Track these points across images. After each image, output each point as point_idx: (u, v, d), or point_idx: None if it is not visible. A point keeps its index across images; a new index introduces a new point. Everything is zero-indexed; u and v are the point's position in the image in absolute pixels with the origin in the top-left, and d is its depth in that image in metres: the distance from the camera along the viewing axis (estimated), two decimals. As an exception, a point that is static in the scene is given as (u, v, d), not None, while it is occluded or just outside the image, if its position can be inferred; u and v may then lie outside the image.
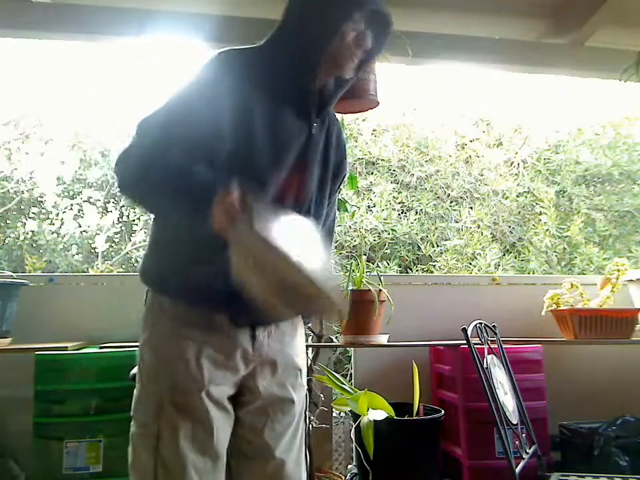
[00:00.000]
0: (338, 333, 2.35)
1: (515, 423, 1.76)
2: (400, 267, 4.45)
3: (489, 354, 1.78)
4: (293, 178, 1.15)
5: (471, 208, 4.62)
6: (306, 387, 1.30)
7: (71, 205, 6.24)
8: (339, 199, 2.28)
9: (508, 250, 4.84)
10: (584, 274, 4.35)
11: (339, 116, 2.35)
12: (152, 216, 1.22)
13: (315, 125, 1.17)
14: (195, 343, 1.09)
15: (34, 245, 5.79)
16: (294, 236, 0.97)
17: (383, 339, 2.16)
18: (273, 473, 1.18)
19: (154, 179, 1.01)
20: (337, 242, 4.07)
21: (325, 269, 0.97)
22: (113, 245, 6.21)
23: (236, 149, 1.06)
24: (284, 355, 1.21)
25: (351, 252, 4.23)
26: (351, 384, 2.32)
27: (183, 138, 1.03)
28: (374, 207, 4.45)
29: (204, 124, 1.04)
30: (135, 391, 1.17)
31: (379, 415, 1.94)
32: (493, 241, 4.60)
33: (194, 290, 1.09)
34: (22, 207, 6.03)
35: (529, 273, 4.49)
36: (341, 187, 1.41)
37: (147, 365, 1.14)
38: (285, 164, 1.12)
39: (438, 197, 4.79)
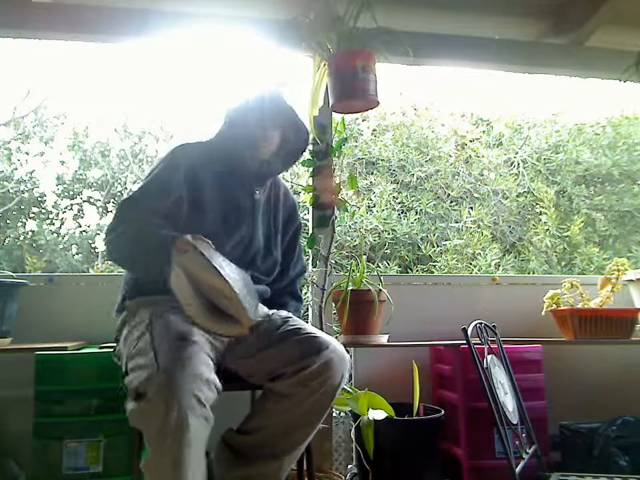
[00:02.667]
0: (338, 333, 2.35)
1: (515, 422, 1.76)
2: (400, 267, 4.45)
3: (489, 354, 1.78)
4: (242, 234, 1.57)
5: (471, 208, 4.62)
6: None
7: (71, 204, 6.24)
8: (339, 199, 2.29)
9: (508, 250, 4.84)
10: (584, 274, 4.35)
11: (339, 116, 2.37)
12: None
13: (257, 192, 1.63)
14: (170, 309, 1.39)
15: (34, 244, 5.80)
16: (225, 265, 1.32)
17: (383, 339, 2.16)
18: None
19: (129, 242, 1.42)
20: (337, 242, 4.07)
21: (245, 289, 1.32)
22: (112, 245, 6.20)
23: (191, 213, 1.49)
24: None
25: (351, 252, 4.23)
26: (351, 384, 2.32)
27: (152, 208, 1.45)
28: (374, 207, 4.45)
29: (166, 197, 1.47)
30: (124, 359, 1.38)
31: (379, 414, 1.94)
32: (493, 241, 4.60)
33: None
34: (22, 207, 6.04)
35: (529, 273, 4.49)
36: (295, 239, 1.81)
37: (133, 334, 1.40)
38: (233, 223, 1.55)
39: (438, 197, 4.79)
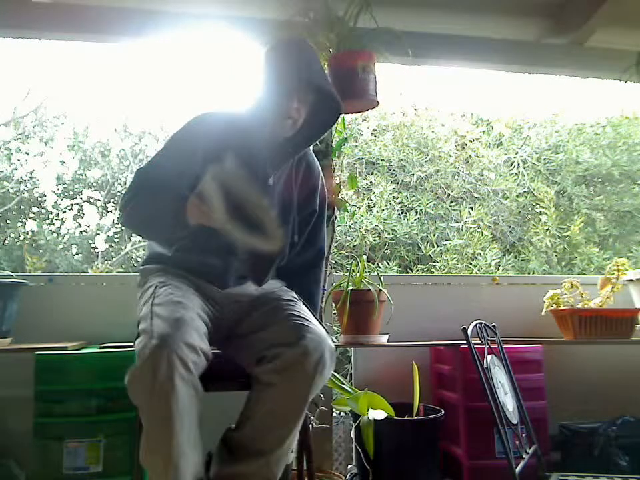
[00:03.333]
0: (338, 333, 2.35)
1: (515, 422, 1.76)
2: (400, 267, 4.45)
3: (489, 354, 1.78)
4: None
5: (471, 208, 4.62)
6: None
7: (71, 204, 6.24)
8: (339, 199, 2.30)
9: (508, 250, 4.84)
10: (584, 274, 4.35)
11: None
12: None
13: (270, 179, 1.54)
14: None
15: (34, 244, 5.79)
16: None
17: (383, 339, 2.16)
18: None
19: (144, 207, 1.45)
20: (337, 242, 4.07)
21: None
22: (112, 245, 6.21)
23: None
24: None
25: (351, 252, 4.23)
26: (351, 384, 2.32)
27: (165, 174, 1.44)
28: (374, 207, 4.45)
29: (182, 162, 1.46)
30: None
31: (379, 414, 1.94)
32: (493, 241, 4.60)
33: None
34: (22, 207, 6.03)
35: (529, 273, 4.49)
36: (315, 218, 1.70)
37: (141, 300, 1.45)
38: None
39: (438, 197, 4.80)
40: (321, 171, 1.72)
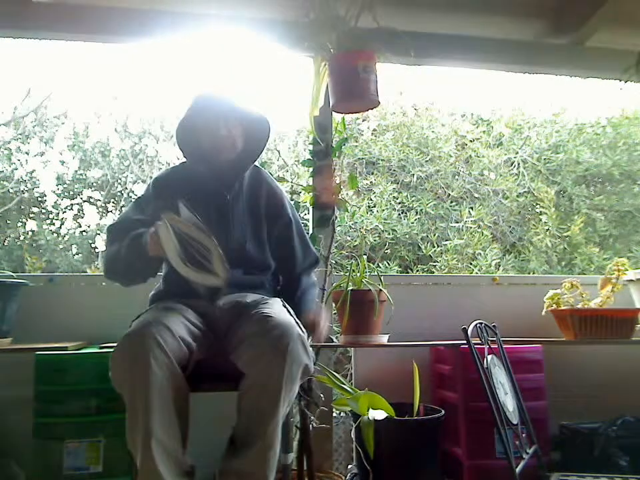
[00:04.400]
0: (338, 333, 2.34)
1: (515, 422, 1.76)
2: (400, 267, 4.45)
3: (489, 354, 1.78)
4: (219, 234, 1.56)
5: (471, 208, 4.62)
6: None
7: (71, 204, 6.24)
8: (339, 199, 2.29)
9: (508, 250, 4.84)
10: (584, 274, 4.35)
11: (339, 116, 2.37)
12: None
13: (227, 196, 1.70)
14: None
15: (34, 244, 5.79)
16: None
17: (383, 339, 2.16)
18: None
19: (115, 255, 1.64)
20: (337, 242, 4.07)
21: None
22: (113, 245, 6.19)
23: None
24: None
25: (351, 252, 4.23)
26: (351, 384, 2.32)
27: (130, 224, 1.65)
28: (374, 207, 4.45)
29: (142, 214, 1.68)
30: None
31: (379, 414, 1.94)
32: (493, 241, 4.60)
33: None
34: (22, 207, 6.03)
35: (529, 273, 4.49)
36: (288, 232, 1.83)
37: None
38: (208, 227, 1.54)
39: (438, 197, 4.79)
40: (283, 191, 1.88)
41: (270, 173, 1.90)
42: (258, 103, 1.74)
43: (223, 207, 1.70)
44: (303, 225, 1.93)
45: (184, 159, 1.77)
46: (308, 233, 2.34)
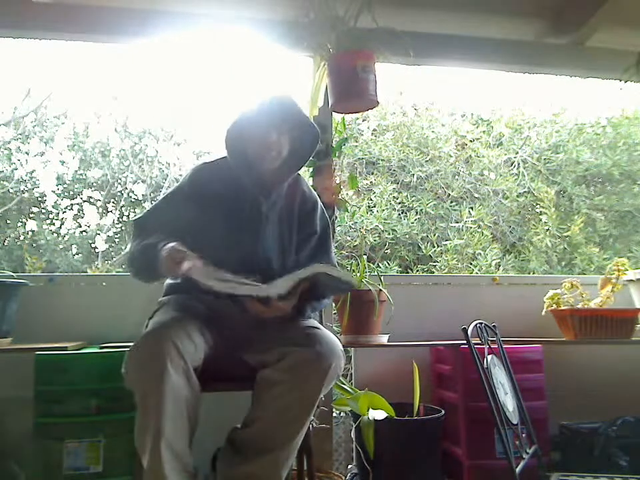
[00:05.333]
0: (338, 333, 2.34)
1: (515, 422, 1.76)
2: (400, 267, 4.45)
3: (489, 354, 1.78)
4: (247, 245, 1.60)
5: (471, 208, 4.62)
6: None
7: (71, 204, 6.23)
8: (339, 199, 2.29)
9: (508, 250, 4.84)
10: (584, 274, 4.35)
11: (339, 116, 2.37)
12: None
13: (263, 205, 1.63)
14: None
15: (34, 244, 5.79)
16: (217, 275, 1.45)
17: (383, 339, 2.16)
18: None
19: (139, 259, 1.57)
20: (337, 242, 4.07)
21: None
22: (113, 245, 6.21)
23: (196, 231, 1.56)
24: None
25: (351, 252, 4.23)
26: (351, 384, 2.32)
27: (156, 225, 1.58)
28: (374, 207, 4.45)
29: (172, 215, 1.61)
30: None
31: (380, 414, 1.94)
32: (493, 241, 4.60)
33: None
34: (22, 207, 6.03)
35: (529, 273, 4.49)
36: (316, 239, 1.75)
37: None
38: (234, 240, 1.58)
39: (438, 197, 4.79)
40: (318, 199, 1.80)
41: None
42: (307, 111, 1.72)
43: (257, 216, 1.64)
44: (329, 236, 1.83)
45: (224, 156, 1.69)
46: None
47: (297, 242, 1.71)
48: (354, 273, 2.18)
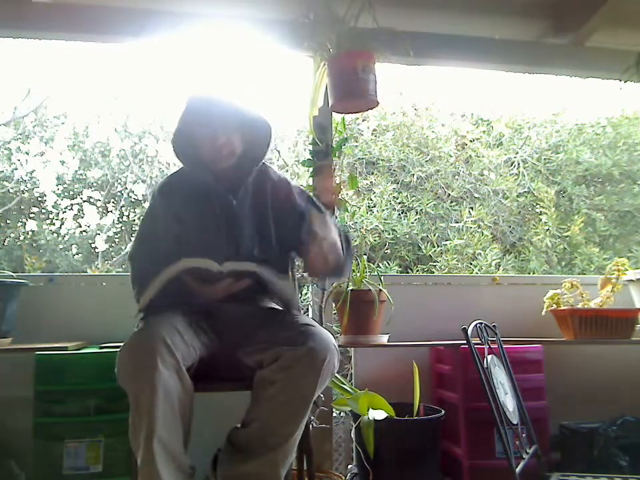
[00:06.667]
0: (338, 333, 2.34)
1: (515, 423, 1.76)
2: (400, 267, 4.45)
3: (489, 354, 1.78)
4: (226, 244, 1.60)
5: (471, 208, 4.62)
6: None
7: (71, 204, 6.24)
8: (339, 199, 2.29)
9: (508, 250, 4.84)
10: (584, 274, 4.35)
11: (339, 116, 2.37)
12: None
13: (233, 199, 1.63)
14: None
15: (34, 244, 5.80)
16: None
17: (383, 339, 2.16)
18: None
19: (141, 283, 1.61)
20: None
21: None
22: (113, 245, 6.21)
23: (177, 239, 1.61)
24: None
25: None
26: (351, 384, 2.32)
27: (148, 250, 1.66)
28: (374, 207, 4.45)
29: (156, 234, 1.66)
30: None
31: (379, 414, 1.94)
32: (493, 241, 4.60)
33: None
34: (22, 207, 6.03)
35: (529, 273, 4.49)
36: (291, 207, 1.70)
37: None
38: (214, 239, 1.60)
39: (438, 197, 4.79)
40: (291, 182, 1.78)
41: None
42: (256, 102, 1.66)
43: (230, 212, 1.63)
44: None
45: (181, 165, 1.70)
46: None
47: (281, 231, 1.68)
48: (354, 273, 2.18)
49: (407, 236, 4.47)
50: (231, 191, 1.65)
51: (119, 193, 6.26)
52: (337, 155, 2.39)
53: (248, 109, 1.62)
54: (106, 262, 5.83)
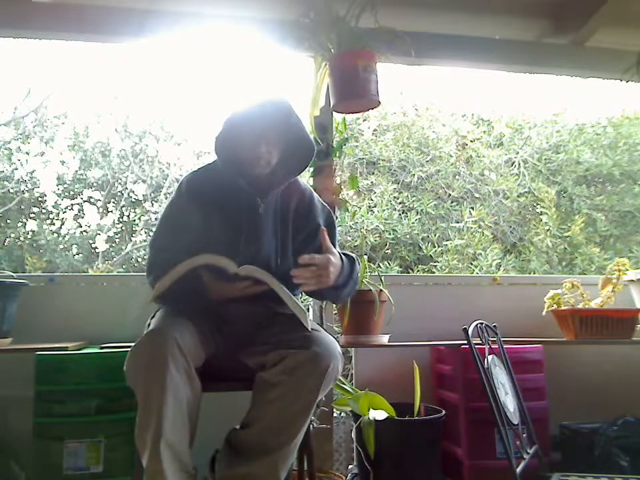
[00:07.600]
0: (339, 333, 2.34)
1: (515, 423, 1.76)
2: (401, 267, 4.45)
3: (489, 354, 1.78)
4: (247, 246, 1.60)
5: (472, 208, 4.62)
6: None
7: (71, 204, 6.24)
8: (340, 199, 2.29)
9: (509, 250, 4.84)
10: (585, 274, 4.35)
11: (339, 116, 2.37)
12: None
13: (260, 207, 1.62)
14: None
15: (34, 244, 5.80)
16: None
17: (384, 339, 2.16)
18: None
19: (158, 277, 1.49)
20: (338, 242, 4.05)
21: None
22: (113, 245, 6.21)
23: (198, 237, 1.57)
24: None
25: (351, 252, 4.23)
26: (352, 384, 2.32)
27: (170, 240, 1.62)
28: (375, 207, 4.45)
29: (179, 225, 1.62)
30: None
31: (380, 415, 1.94)
32: (493, 241, 4.60)
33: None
34: (22, 207, 6.04)
35: (529, 273, 4.49)
36: (312, 235, 1.69)
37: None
38: (235, 243, 1.59)
39: (439, 197, 4.79)
40: (316, 197, 1.78)
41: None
42: (304, 117, 1.66)
43: (255, 214, 1.63)
44: (333, 234, 1.79)
45: (213, 161, 1.69)
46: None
47: (297, 241, 1.69)
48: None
49: (408, 236, 4.47)
50: (260, 195, 1.64)
51: (119, 193, 6.26)
52: (337, 155, 2.39)
53: (298, 126, 1.63)
54: (106, 262, 5.83)
